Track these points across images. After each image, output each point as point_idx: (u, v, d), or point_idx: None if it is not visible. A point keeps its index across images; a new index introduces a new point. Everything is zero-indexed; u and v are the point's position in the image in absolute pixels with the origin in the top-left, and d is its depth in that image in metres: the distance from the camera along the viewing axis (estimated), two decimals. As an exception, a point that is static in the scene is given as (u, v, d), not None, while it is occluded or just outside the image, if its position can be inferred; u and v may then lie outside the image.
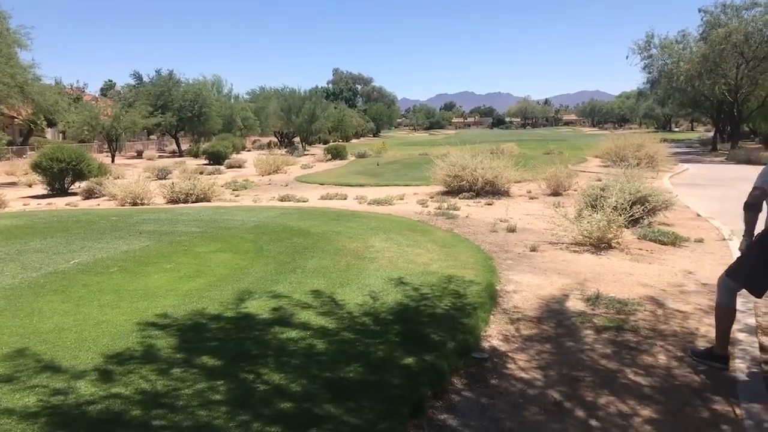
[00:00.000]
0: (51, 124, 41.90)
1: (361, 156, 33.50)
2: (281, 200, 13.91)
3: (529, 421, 3.21)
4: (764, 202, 3.84)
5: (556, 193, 13.73)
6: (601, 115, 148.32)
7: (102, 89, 72.92)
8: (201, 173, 21.87)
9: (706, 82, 32.82)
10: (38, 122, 40.15)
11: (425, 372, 3.62)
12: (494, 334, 4.55)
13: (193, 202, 13.86)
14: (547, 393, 3.54)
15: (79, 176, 17.61)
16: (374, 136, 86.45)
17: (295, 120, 51.66)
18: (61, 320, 4.66)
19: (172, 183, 14.78)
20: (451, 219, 10.16)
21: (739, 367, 3.92)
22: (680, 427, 3.16)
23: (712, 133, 44.45)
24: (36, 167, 17.63)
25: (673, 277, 6.25)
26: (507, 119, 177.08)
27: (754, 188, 3.81)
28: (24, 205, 14.89)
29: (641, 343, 4.35)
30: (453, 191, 13.85)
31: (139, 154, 43.06)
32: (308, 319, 4.61)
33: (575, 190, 13.01)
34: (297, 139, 55.54)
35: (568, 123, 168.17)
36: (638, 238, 8.21)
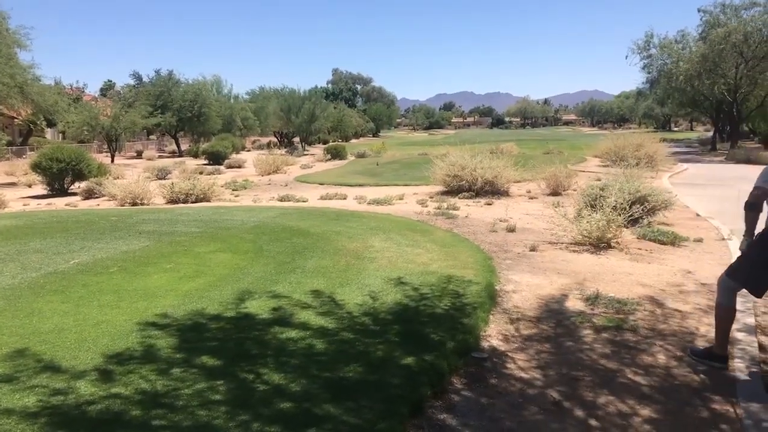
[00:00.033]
0: (51, 124, 41.89)
1: (361, 156, 33.50)
2: (281, 200, 13.91)
3: (529, 420, 3.22)
4: (765, 201, 3.85)
5: (555, 193, 13.74)
6: (600, 114, 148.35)
7: (102, 89, 72.91)
8: (201, 173, 21.86)
9: (705, 81, 32.81)
10: (38, 122, 40.13)
11: (425, 372, 3.63)
12: (494, 333, 4.56)
13: (192, 203, 13.86)
14: (546, 392, 3.54)
15: (79, 176, 17.61)
16: (374, 136, 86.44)
17: (295, 120, 51.64)
18: (60, 320, 4.66)
19: (172, 183, 14.77)
20: (450, 219, 10.17)
21: (739, 366, 3.93)
22: (679, 426, 3.16)
23: (711, 133, 44.46)
24: (36, 167, 17.63)
25: (673, 276, 6.25)
26: (506, 119, 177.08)
27: (755, 188, 3.82)
28: (24, 205, 14.89)
29: (640, 342, 4.36)
30: (452, 191, 13.86)
31: (139, 155, 43.04)
32: (308, 319, 4.62)
33: (575, 190, 13.02)
34: (296, 139, 55.52)
35: (567, 123, 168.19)
36: (637, 238, 8.22)
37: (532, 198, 13.32)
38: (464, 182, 13.67)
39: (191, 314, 4.77)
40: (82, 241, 8.20)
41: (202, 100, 44.88)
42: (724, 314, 3.95)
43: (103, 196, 15.39)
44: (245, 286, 5.66)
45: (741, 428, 3.13)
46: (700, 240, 8.11)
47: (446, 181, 14.16)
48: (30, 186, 19.82)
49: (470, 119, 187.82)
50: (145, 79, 49.54)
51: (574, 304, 5.30)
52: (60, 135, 45.30)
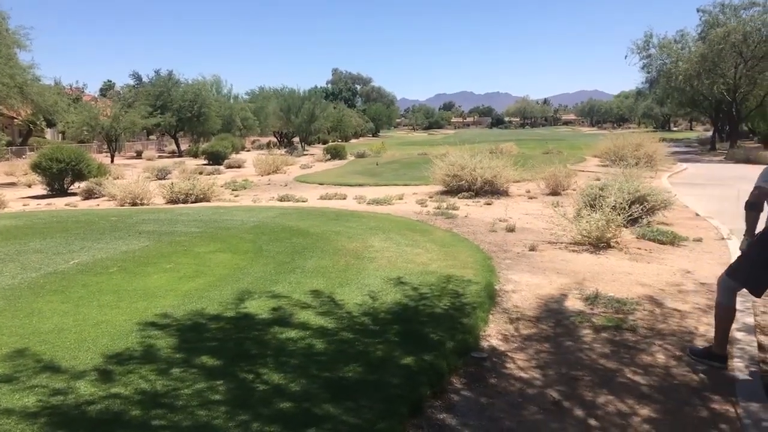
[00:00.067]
0: (50, 124, 41.87)
1: (360, 156, 33.50)
2: (280, 200, 13.91)
3: (528, 420, 3.22)
4: (765, 201, 3.85)
5: (554, 193, 13.74)
6: (599, 114, 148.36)
7: (101, 89, 72.90)
8: (200, 173, 21.85)
9: (704, 81, 32.82)
10: (37, 123, 40.13)
11: (424, 371, 3.63)
12: (493, 333, 4.56)
13: (192, 203, 13.86)
14: (546, 392, 3.54)
15: (79, 176, 17.60)
16: (373, 136, 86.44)
17: (295, 120, 51.63)
18: (60, 320, 4.66)
19: (172, 183, 14.77)
20: (450, 219, 10.17)
21: (738, 366, 3.93)
22: (679, 426, 3.17)
23: (710, 133, 44.46)
24: (35, 167, 17.62)
25: (672, 276, 6.26)
26: (506, 119, 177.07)
27: (755, 187, 3.82)
28: (23, 205, 14.89)
29: (640, 342, 4.36)
30: (452, 191, 13.86)
31: (139, 155, 43.02)
32: (307, 319, 4.62)
33: (574, 190, 13.02)
34: (296, 139, 55.51)
35: (567, 123, 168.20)
36: (637, 238, 8.22)
37: (531, 198, 13.32)
38: (464, 182, 13.68)
39: (191, 314, 4.78)
40: (81, 241, 8.20)
41: (201, 100, 44.86)
42: (724, 314, 3.95)
43: (103, 196, 15.39)
44: (245, 286, 5.66)
45: (740, 428, 3.14)
46: (699, 240, 8.12)
47: (446, 180, 14.17)
48: (30, 186, 19.81)
49: (470, 119, 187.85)
50: (144, 79, 49.54)
51: (573, 303, 5.30)
52: (60, 135, 45.29)
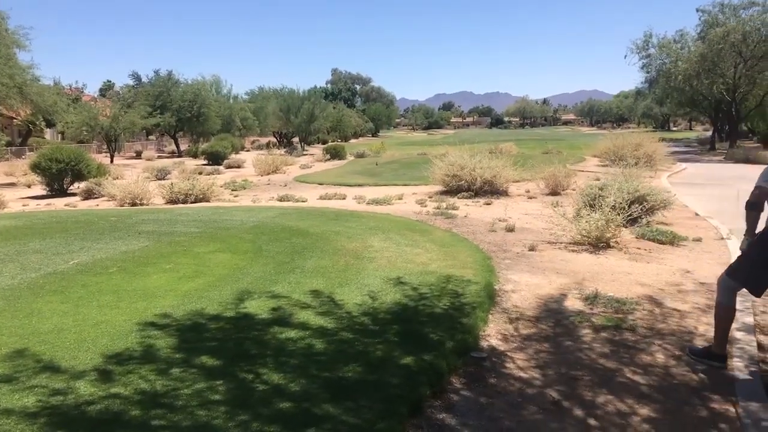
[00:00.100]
0: (50, 124, 41.84)
1: (360, 156, 33.50)
2: (280, 200, 13.91)
3: (528, 420, 3.22)
4: (766, 201, 3.85)
5: (554, 193, 13.75)
6: (599, 114, 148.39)
7: (101, 90, 72.86)
8: (200, 173, 21.86)
9: (704, 81, 32.83)
10: (37, 123, 40.09)
11: (424, 371, 3.63)
12: (493, 333, 4.56)
13: (192, 203, 13.86)
14: (545, 392, 3.54)
15: (78, 177, 17.59)
16: (373, 136, 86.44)
17: (294, 120, 51.63)
18: (60, 321, 4.66)
19: (171, 183, 14.77)
20: (449, 218, 10.17)
21: (737, 365, 3.93)
22: (678, 425, 3.17)
23: (710, 133, 44.48)
24: (35, 168, 17.62)
25: (672, 276, 6.26)
26: (505, 119, 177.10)
27: (756, 187, 3.82)
28: (23, 205, 14.88)
29: (639, 342, 4.36)
30: (451, 191, 13.86)
31: (138, 155, 43.00)
32: (307, 319, 4.62)
33: (573, 190, 13.02)
34: (296, 139, 55.51)
35: (566, 122, 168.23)
36: (636, 238, 8.23)
37: (531, 198, 13.33)
38: (463, 182, 13.68)
39: (190, 314, 4.78)
40: (81, 241, 8.20)
41: (201, 100, 44.86)
42: (724, 314, 3.95)
43: (103, 196, 15.38)
44: (244, 286, 5.66)
45: (740, 427, 3.14)
46: (699, 239, 8.12)
47: (445, 180, 14.17)
48: (29, 186, 19.81)
49: (469, 119, 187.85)
50: (144, 79, 49.52)
51: (573, 303, 5.30)
52: (59, 135, 45.28)
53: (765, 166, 3.93)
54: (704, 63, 32.03)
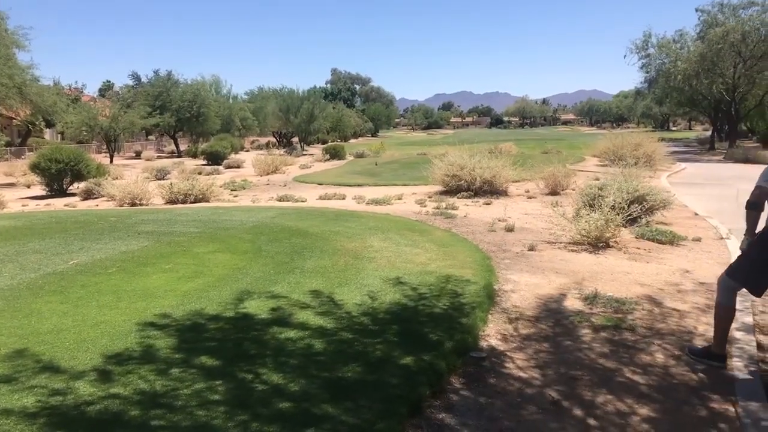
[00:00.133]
0: (49, 124, 41.82)
1: (360, 156, 33.51)
2: (280, 200, 13.91)
3: (528, 420, 3.22)
4: (766, 201, 3.84)
5: (554, 193, 13.75)
6: (598, 114, 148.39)
7: (100, 90, 72.86)
8: (199, 173, 21.87)
9: (703, 81, 32.84)
10: (36, 123, 40.07)
11: (423, 371, 3.63)
12: (492, 333, 4.56)
13: (191, 203, 13.86)
14: (545, 392, 3.54)
15: (78, 177, 17.59)
16: (372, 136, 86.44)
17: (294, 120, 51.62)
18: (59, 321, 4.66)
19: (171, 183, 14.77)
20: (449, 218, 10.17)
21: (737, 365, 3.93)
22: (678, 425, 3.17)
23: (709, 132, 44.48)
24: (34, 168, 17.61)
25: (671, 276, 6.26)
26: (505, 119, 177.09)
27: (756, 187, 3.81)
28: (23, 206, 14.88)
29: (639, 341, 4.36)
30: (451, 191, 13.86)
31: (138, 155, 43.01)
32: (307, 319, 4.62)
33: (573, 190, 13.03)
34: (295, 139, 55.50)
35: (566, 122, 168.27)
36: (636, 237, 8.23)
37: (530, 197, 13.33)
38: (463, 182, 13.68)
39: (190, 314, 4.78)
40: (80, 241, 8.19)
41: (200, 100, 44.86)
42: (724, 314, 3.95)
43: (102, 196, 15.38)
44: (244, 286, 5.66)
45: (740, 427, 3.14)
46: (698, 239, 8.12)
47: (445, 180, 14.17)
48: (29, 186, 19.80)
49: (469, 119, 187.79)
50: (143, 79, 49.51)
51: (572, 303, 5.31)
52: (59, 135, 45.27)
53: (765, 166, 3.93)
54: (703, 63, 32.04)
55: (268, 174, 22.59)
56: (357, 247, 7.49)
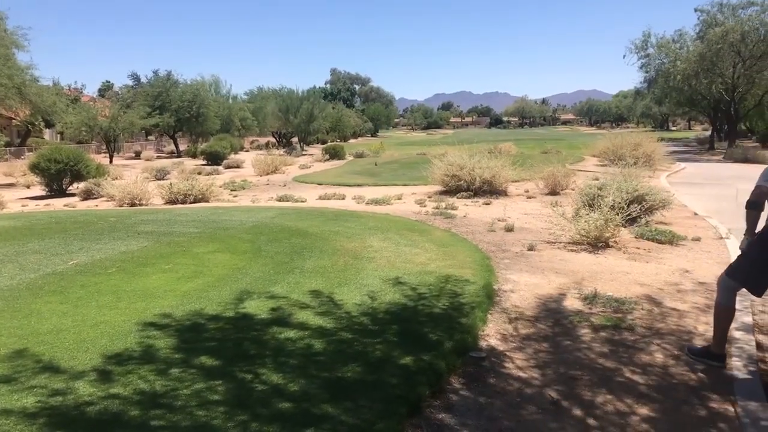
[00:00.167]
0: (49, 125, 41.83)
1: (359, 156, 33.51)
2: (279, 200, 13.91)
3: (527, 420, 3.22)
4: (766, 200, 3.84)
5: (553, 193, 13.75)
6: (598, 114, 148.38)
7: (100, 90, 72.86)
8: (199, 174, 21.88)
9: (703, 81, 32.85)
10: (36, 123, 40.09)
11: (423, 371, 3.63)
12: (492, 333, 4.57)
13: (191, 203, 13.86)
14: (544, 392, 3.55)
15: (78, 177, 17.59)
16: (372, 136, 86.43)
17: (293, 120, 51.61)
18: (59, 321, 4.66)
19: (171, 183, 14.77)
20: (448, 218, 10.18)
21: (736, 365, 3.93)
22: (677, 425, 3.17)
23: (709, 132, 44.51)
24: (34, 168, 17.61)
25: (671, 275, 6.26)
26: (504, 119, 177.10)
27: (757, 186, 3.81)
28: (22, 206, 14.87)
29: (638, 341, 4.36)
30: (451, 191, 13.86)
31: (137, 155, 42.99)
32: (306, 319, 4.62)
33: (573, 190, 13.03)
34: (295, 140, 55.50)
35: (565, 122, 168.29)
36: (635, 237, 8.23)
37: (530, 197, 13.33)
38: (462, 182, 13.68)
39: (190, 314, 4.78)
40: (80, 241, 8.19)
41: (200, 100, 44.84)
42: (724, 314, 3.95)
43: (102, 196, 15.38)
44: (244, 286, 5.66)
45: (739, 427, 3.14)
46: (698, 239, 8.13)
47: (444, 180, 14.17)
48: (28, 187, 19.80)
49: (468, 119, 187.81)
50: (143, 79, 49.52)
51: (572, 303, 5.31)
52: (58, 136, 45.26)
53: (765, 166, 3.93)
54: (703, 63, 32.05)
55: (267, 174, 22.59)
56: (356, 247, 7.49)
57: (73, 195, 16.93)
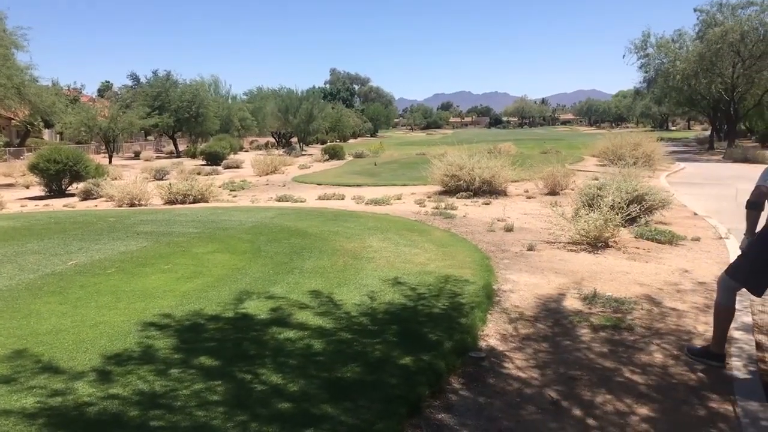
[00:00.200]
0: (48, 125, 41.84)
1: (359, 156, 33.51)
2: (279, 200, 13.91)
3: (527, 420, 3.22)
4: (766, 200, 3.84)
5: (553, 193, 13.75)
6: (598, 114, 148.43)
7: (99, 90, 72.83)
8: (198, 174, 21.87)
9: (702, 80, 32.86)
10: (35, 123, 40.09)
11: (423, 371, 3.63)
12: (491, 333, 4.56)
13: (190, 203, 13.86)
14: (544, 392, 3.54)
15: (77, 177, 17.57)
16: (372, 136, 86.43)
17: (293, 120, 51.61)
18: (58, 321, 4.66)
19: (170, 184, 14.77)
20: (448, 219, 10.17)
21: (736, 365, 3.93)
22: (677, 425, 3.17)
23: (708, 132, 44.52)
24: (33, 168, 17.59)
25: (670, 275, 6.26)
26: (504, 119, 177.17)
27: (757, 186, 3.80)
28: (21, 206, 14.86)
29: (638, 341, 4.36)
30: (450, 191, 13.87)
31: (137, 155, 42.99)
32: (306, 320, 4.62)
33: (572, 190, 13.03)
34: (294, 140, 55.50)
35: (565, 122, 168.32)
36: (635, 237, 8.23)
37: (529, 197, 13.33)
38: (462, 182, 13.68)
39: (189, 315, 4.77)
40: (79, 242, 8.19)
41: (199, 100, 44.83)
42: (724, 314, 3.95)
43: (101, 197, 15.37)
44: (243, 286, 5.66)
45: (739, 426, 3.14)
46: (697, 239, 8.13)
47: (444, 181, 14.17)
48: (28, 187, 19.78)
49: (468, 119, 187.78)
50: (142, 79, 49.51)
51: (571, 303, 5.31)
52: (57, 136, 45.26)
53: (765, 166, 3.93)
54: (702, 62, 32.07)
55: (267, 174, 22.59)
56: (356, 248, 7.48)
57: (72, 195, 16.92)
